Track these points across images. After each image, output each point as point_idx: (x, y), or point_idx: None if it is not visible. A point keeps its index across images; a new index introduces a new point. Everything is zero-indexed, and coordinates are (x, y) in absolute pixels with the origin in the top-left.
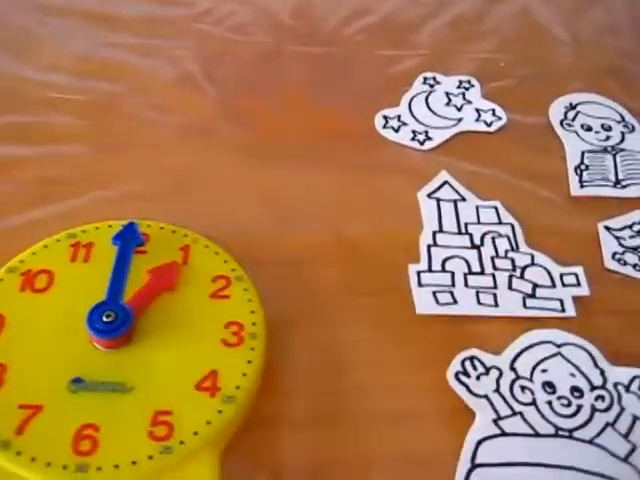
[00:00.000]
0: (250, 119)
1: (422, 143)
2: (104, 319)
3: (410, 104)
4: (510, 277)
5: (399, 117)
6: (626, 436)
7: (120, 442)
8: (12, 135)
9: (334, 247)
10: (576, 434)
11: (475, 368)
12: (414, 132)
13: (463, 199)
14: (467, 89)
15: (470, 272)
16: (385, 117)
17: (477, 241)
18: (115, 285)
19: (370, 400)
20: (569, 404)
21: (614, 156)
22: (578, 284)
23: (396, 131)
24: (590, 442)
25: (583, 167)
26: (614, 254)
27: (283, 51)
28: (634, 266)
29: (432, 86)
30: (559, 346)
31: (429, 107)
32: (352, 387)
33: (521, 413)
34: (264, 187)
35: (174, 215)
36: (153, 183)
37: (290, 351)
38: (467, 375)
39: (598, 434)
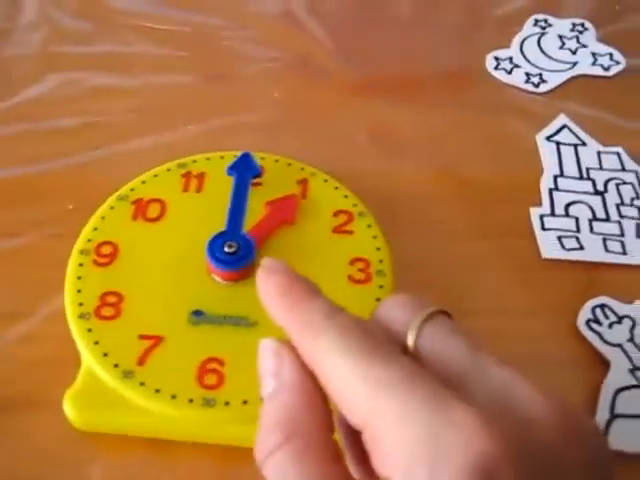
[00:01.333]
0: (355, 55)
1: (537, 85)
2: (226, 250)
3: (522, 46)
4: (638, 225)
5: (511, 59)
6: None
7: (248, 378)
8: (106, 64)
9: (450, 186)
10: None
11: (607, 316)
12: (528, 74)
13: (584, 144)
14: (581, 32)
15: (595, 218)
16: (496, 58)
17: (600, 187)
18: (235, 215)
19: (496, 345)
20: None
21: None
22: None
23: (509, 73)
24: None
25: None
26: None
27: None
28: None
29: (544, 28)
30: None
31: (542, 50)
32: (477, 332)
33: None
34: (372, 124)
35: (280, 148)
36: (256, 116)
37: (412, 292)
38: (599, 323)
39: None
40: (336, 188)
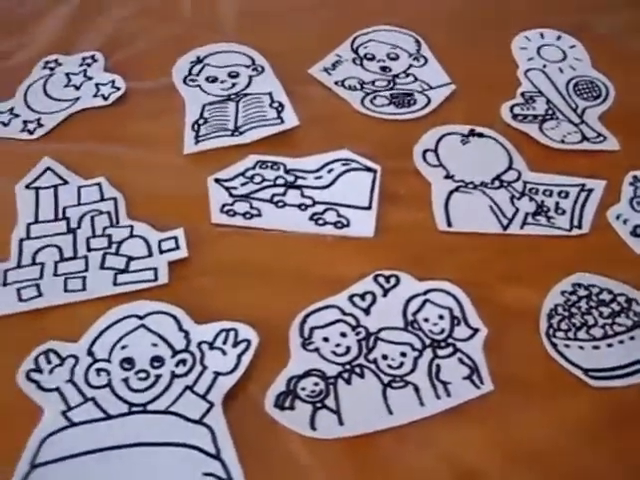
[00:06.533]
0: None
1: (32, 132)
2: None
3: (26, 94)
4: (104, 255)
5: (12, 109)
6: (205, 396)
7: None
8: None
9: None
10: (151, 407)
11: (49, 361)
12: (25, 122)
13: (65, 182)
14: (90, 65)
15: (62, 259)
16: None
17: (74, 224)
18: None
19: None
20: (147, 377)
21: (237, 103)
22: (177, 248)
23: (6, 125)
24: (165, 412)
25: (201, 121)
26: (223, 206)
27: None
28: (244, 215)
29: (52, 69)
30: (143, 317)
31: (46, 93)
32: None
33: (94, 398)
34: None
35: None
36: None
37: None
38: (40, 371)
39: (175, 401)
40: None
